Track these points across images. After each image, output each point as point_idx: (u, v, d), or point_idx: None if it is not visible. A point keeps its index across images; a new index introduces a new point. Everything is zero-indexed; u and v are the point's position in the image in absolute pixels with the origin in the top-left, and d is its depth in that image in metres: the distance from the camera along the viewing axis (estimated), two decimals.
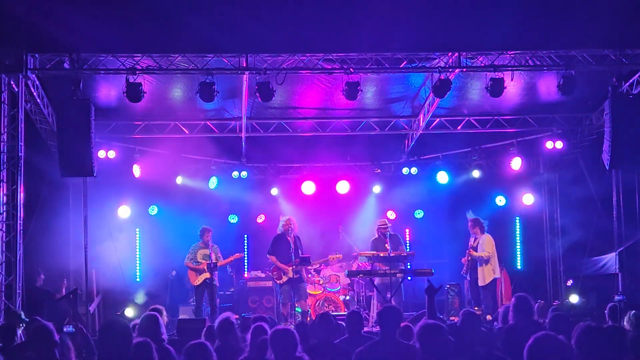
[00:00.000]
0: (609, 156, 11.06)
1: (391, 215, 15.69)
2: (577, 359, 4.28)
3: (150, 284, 14.40)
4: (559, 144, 14.26)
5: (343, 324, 7.13)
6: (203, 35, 10.09)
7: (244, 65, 10.75)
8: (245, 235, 16.18)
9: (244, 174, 15.45)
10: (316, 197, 15.78)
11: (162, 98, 12.61)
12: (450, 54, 11.03)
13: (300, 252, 12.39)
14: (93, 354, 6.05)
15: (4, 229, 10.11)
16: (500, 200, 15.76)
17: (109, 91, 12.09)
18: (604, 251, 13.43)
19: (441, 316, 12.18)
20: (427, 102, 13.13)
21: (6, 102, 10.23)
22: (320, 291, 13.79)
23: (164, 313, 8.11)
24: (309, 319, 11.95)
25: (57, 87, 11.34)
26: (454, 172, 15.64)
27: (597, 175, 13.12)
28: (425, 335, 5.03)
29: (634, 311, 7.77)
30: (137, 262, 15.15)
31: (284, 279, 12.19)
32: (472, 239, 12.78)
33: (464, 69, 11.24)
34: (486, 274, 12.43)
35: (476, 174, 15.41)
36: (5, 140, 10.23)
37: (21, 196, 10.22)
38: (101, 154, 13.23)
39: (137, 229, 15.21)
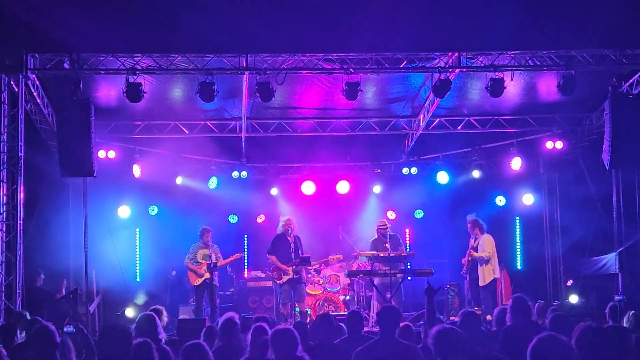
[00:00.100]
0: (609, 156, 11.06)
1: (391, 215, 15.69)
2: None
3: (150, 284, 14.40)
4: (559, 144, 14.26)
5: (343, 325, 7.11)
6: (203, 35, 10.08)
7: (244, 65, 10.75)
8: (245, 235, 16.18)
9: (244, 174, 15.46)
10: (316, 197, 15.77)
11: (162, 98, 12.61)
12: (450, 54, 11.03)
13: (300, 252, 12.40)
14: (93, 354, 6.05)
15: (4, 229, 10.11)
16: (500, 200, 15.76)
17: (109, 91, 12.08)
18: (604, 251, 13.42)
19: (440, 316, 12.21)
20: (427, 102, 13.13)
21: (6, 102, 10.23)
22: (320, 291, 13.79)
23: (164, 313, 8.12)
24: (308, 319, 11.96)
25: (57, 87, 11.35)
26: (454, 172, 15.63)
27: (597, 175, 13.12)
28: (441, 339, 5.05)
29: (633, 311, 7.78)
30: (137, 262, 15.15)
31: (284, 279, 12.19)
32: (472, 240, 12.79)
33: (464, 69, 11.24)
34: (486, 274, 12.44)
35: (476, 174, 15.41)
36: (5, 140, 10.23)
37: (21, 196, 10.22)
38: (101, 154, 13.23)
39: (137, 229, 15.22)
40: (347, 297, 13.84)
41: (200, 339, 6.63)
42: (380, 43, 10.70)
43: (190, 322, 10.81)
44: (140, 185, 14.54)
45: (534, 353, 4.14)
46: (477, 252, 12.58)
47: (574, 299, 12.94)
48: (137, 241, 15.23)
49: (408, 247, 15.14)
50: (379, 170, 15.87)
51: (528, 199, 15.59)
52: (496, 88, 10.97)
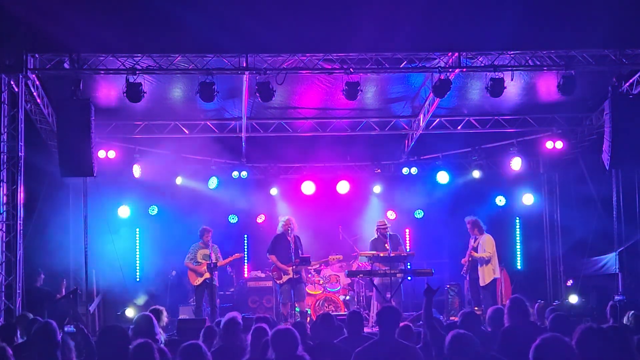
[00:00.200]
0: (609, 156, 11.06)
1: (391, 215, 15.69)
2: None
3: (150, 284, 14.40)
4: (559, 144, 14.25)
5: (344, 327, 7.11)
6: (203, 35, 10.08)
7: (244, 65, 10.75)
8: (245, 235, 16.18)
9: (244, 174, 15.46)
10: (316, 197, 15.77)
11: (162, 98, 12.61)
12: (450, 54, 11.03)
13: (300, 252, 12.40)
14: (94, 354, 6.05)
15: (4, 229, 10.11)
16: (500, 200, 15.75)
17: (109, 91, 12.08)
18: (604, 251, 13.42)
19: (440, 317, 12.21)
20: (427, 102, 13.13)
21: (6, 102, 10.24)
22: (320, 291, 13.79)
23: (165, 314, 8.13)
24: (308, 319, 11.96)
25: (57, 87, 11.34)
26: (454, 172, 15.63)
27: (597, 175, 13.12)
28: (456, 344, 5.09)
29: (633, 311, 7.78)
30: (137, 262, 15.15)
31: (284, 278, 12.19)
32: (472, 240, 12.79)
33: (464, 69, 11.24)
34: (486, 274, 12.44)
35: (476, 174, 15.41)
36: (5, 140, 10.23)
37: (21, 196, 10.23)
38: (101, 154, 13.22)
39: (137, 229, 15.21)
40: (347, 297, 13.84)
41: (199, 339, 6.63)
42: (380, 43, 10.70)
43: (190, 322, 10.81)
44: (140, 185, 14.54)
45: (537, 353, 4.14)
46: (477, 252, 12.59)
47: (573, 299, 12.94)
48: (137, 241, 15.22)
49: (408, 247, 15.14)
50: (379, 170, 15.87)
51: (528, 199, 15.59)
52: (496, 88, 10.97)
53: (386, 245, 12.17)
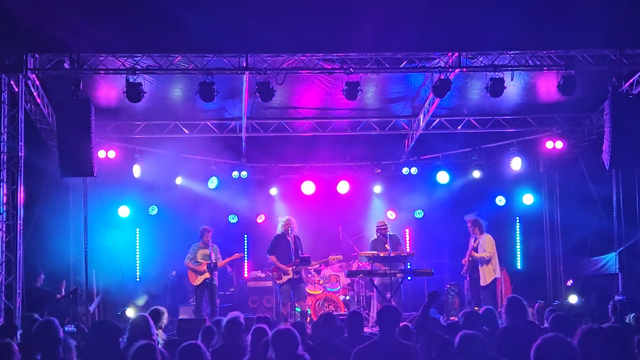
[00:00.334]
0: (609, 156, 11.05)
1: (391, 215, 15.70)
2: None
3: (150, 284, 14.40)
4: (559, 144, 14.26)
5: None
6: (203, 35, 10.07)
7: (244, 65, 10.75)
8: (245, 235, 16.18)
9: (244, 174, 15.46)
10: (316, 197, 15.77)
11: (162, 98, 12.61)
12: (450, 54, 11.03)
13: (300, 252, 12.39)
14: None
15: (4, 229, 10.10)
16: (500, 200, 15.76)
17: (109, 91, 12.07)
18: (604, 251, 13.43)
19: (440, 317, 12.22)
20: (427, 102, 13.13)
21: (6, 102, 10.22)
22: (320, 291, 13.80)
23: (165, 314, 8.13)
24: (308, 319, 11.96)
25: (57, 87, 11.33)
26: (454, 172, 15.64)
27: (597, 175, 13.11)
28: (466, 344, 5.11)
29: (634, 314, 7.78)
30: (137, 262, 15.15)
31: (284, 279, 12.19)
32: (472, 240, 12.79)
33: (464, 69, 11.23)
34: (487, 274, 12.45)
35: (476, 174, 15.42)
36: (5, 140, 10.22)
37: (21, 196, 10.21)
38: (101, 154, 13.22)
39: (137, 229, 15.21)
40: (347, 297, 13.84)
41: (198, 339, 6.63)
42: (380, 43, 10.69)
43: (190, 322, 10.80)
44: (140, 185, 14.54)
45: (538, 353, 4.13)
46: (477, 252, 12.59)
47: (573, 299, 12.94)
48: (137, 241, 15.22)
49: (408, 247, 15.14)
50: (379, 170, 15.88)
51: (528, 199, 15.59)
52: (496, 88, 10.97)
53: (386, 245, 12.17)
